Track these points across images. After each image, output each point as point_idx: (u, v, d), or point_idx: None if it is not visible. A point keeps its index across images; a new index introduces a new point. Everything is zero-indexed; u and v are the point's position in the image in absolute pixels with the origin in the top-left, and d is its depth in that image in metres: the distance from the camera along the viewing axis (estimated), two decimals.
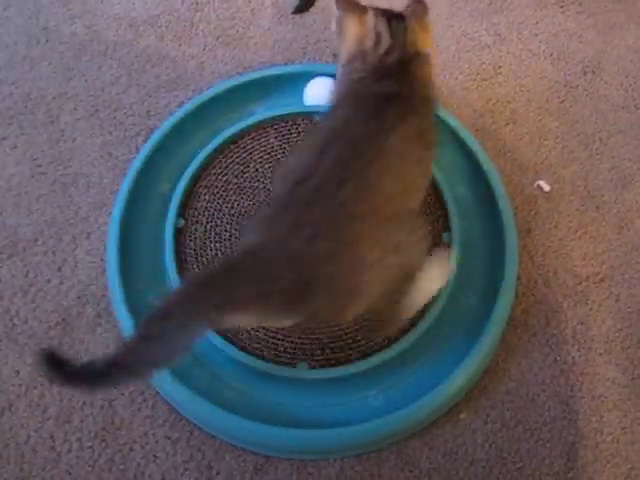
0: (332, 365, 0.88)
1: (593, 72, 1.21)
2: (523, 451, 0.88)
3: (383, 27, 0.86)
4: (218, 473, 0.85)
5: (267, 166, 1.03)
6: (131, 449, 0.86)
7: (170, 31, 1.22)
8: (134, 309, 0.90)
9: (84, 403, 0.88)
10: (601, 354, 0.95)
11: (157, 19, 1.24)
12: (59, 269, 0.98)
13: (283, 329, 0.89)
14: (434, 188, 1.00)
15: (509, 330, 0.94)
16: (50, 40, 1.20)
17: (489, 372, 0.92)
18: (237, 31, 1.23)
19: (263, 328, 0.90)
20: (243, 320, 0.72)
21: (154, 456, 0.86)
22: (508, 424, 0.90)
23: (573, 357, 0.95)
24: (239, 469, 0.86)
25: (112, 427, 0.87)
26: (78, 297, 0.96)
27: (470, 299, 0.95)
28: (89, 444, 0.86)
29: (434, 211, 0.99)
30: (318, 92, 1.09)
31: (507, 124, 1.15)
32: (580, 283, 1.01)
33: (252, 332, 0.89)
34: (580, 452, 0.89)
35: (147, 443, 0.86)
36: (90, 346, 0.92)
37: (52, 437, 0.86)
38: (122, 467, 0.85)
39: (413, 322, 0.90)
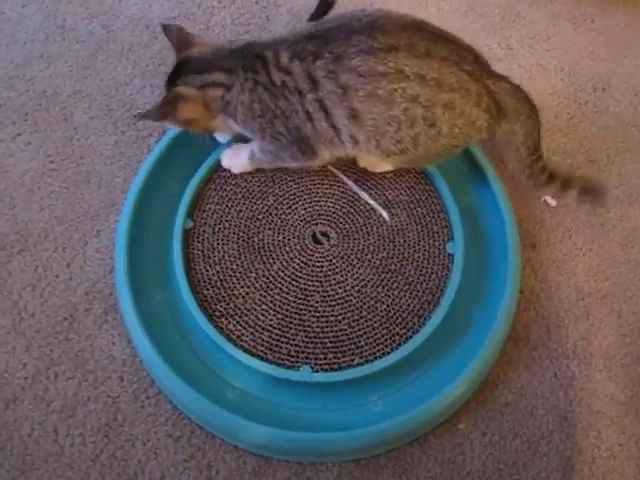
0: (335, 369, 0.89)
1: (603, 89, 1.22)
2: (520, 463, 0.89)
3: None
4: (217, 473, 0.86)
5: (276, 171, 1.04)
6: (133, 445, 0.87)
7: None
8: (141, 307, 0.91)
9: (88, 398, 0.90)
10: (601, 370, 0.96)
11: (174, 22, 1.25)
12: (68, 265, 0.99)
13: (287, 332, 0.91)
14: (438, 197, 1.02)
15: (510, 343, 0.95)
16: (67, 39, 1.22)
17: (489, 384, 0.93)
18: (252, 36, 1.24)
19: (267, 330, 0.91)
20: None
21: (155, 453, 0.87)
22: (506, 436, 0.91)
23: (573, 372, 0.95)
24: (238, 470, 0.87)
25: (115, 423, 0.88)
26: (86, 293, 0.97)
27: (472, 310, 0.96)
28: (92, 439, 0.87)
29: (439, 221, 1.00)
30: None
31: None
32: (582, 299, 1.01)
33: (256, 334, 0.91)
34: (576, 467, 0.89)
35: (149, 440, 0.88)
36: (96, 342, 0.94)
37: (55, 431, 0.88)
38: (123, 463, 0.86)
39: (416, 329, 0.91)
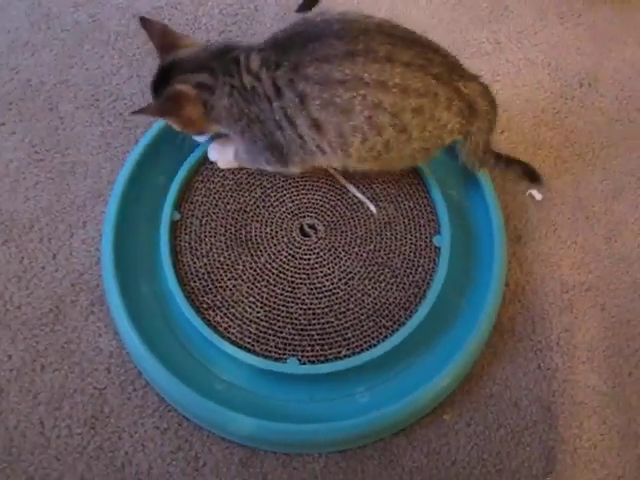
0: (322, 361, 0.89)
1: (589, 84, 1.23)
2: (504, 453, 0.91)
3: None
4: (205, 464, 0.87)
5: None
6: (120, 437, 0.87)
7: (173, 24, 1.22)
8: (128, 299, 0.91)
9: (75, 390, 0.89)
10: (584, 362, 0.98)
11: (160, 11, 1.24)
12: (54, 256, 0.99)
13: (274, 324, 0.91)
14: (426, 191, 1.02)
15: (495, 335, 0.96)
16: (52, 27, 1.20)
17: (474, 375, 0.94)
18: (239, 27, 1.24)
19: (254, 323, 0.91)
20: None
21: (142, 445, 0.87)
22: (490, 427, 0.92)
23: (556, 364, 0.97)
24: (225, 461, 0.87)
25: (102, 415, 0.88)
26: (72, 285, 0.97)
27: (459, 302, 0.97)
28: (78, 431, 0.87)
29: (426, 214, 1.01)
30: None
31: (502, 132, 1.16)
32: (567, 291, 1.03)
33: (244, 326, 0.91)
34: (559, 456, 0.91)
35: (136, 432, 0.88)
36: (82, 334, 0.93)
37: (42, 423, 0.87)
38: (110, 455, 0.86)
39: (402, 321, 0.92)
